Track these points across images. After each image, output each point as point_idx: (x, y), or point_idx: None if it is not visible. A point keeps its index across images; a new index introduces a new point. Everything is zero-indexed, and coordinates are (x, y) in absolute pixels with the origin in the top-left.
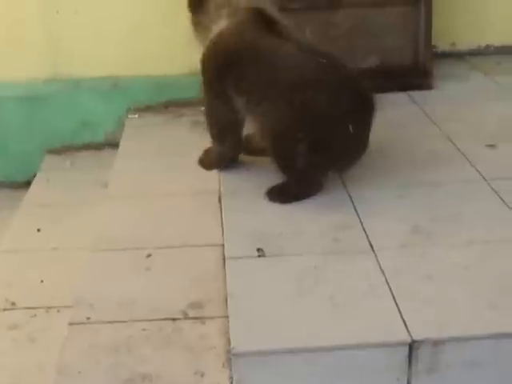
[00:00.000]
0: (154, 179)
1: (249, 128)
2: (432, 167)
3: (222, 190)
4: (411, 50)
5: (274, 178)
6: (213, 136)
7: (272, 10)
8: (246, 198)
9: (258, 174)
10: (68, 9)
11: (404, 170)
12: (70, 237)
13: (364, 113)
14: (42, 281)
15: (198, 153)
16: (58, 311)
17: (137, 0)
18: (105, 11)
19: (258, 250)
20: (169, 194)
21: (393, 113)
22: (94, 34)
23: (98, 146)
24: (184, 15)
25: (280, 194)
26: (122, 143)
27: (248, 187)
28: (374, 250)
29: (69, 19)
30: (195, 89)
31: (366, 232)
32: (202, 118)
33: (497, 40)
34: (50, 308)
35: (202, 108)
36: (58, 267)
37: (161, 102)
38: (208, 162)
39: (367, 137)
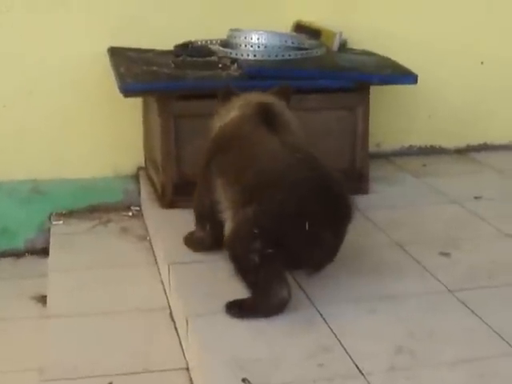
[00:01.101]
0: (94, 295)
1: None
2: (392, 278)
3: (171, 304)
4: (348, 154)
5: (227, 287)
6: (195, 218)
7: (280, 105)
8: (201, 313)
9: (210, 281)
10: None
11: (365, 282)
12: (8, 359)
13: (331, 218)
14: None
15: (130, 263)
16: None
17: (58, 99)
18: (24, 111)
19: (244, 380)
20: (114, 311)
21: None
22: (13, 134)
23: (17, 254)
24: (111, 116)
25: (240, 308)
26: (51, 253)
27: (201, 298)
28: (363, 375)
29: None
30: (120, 192)
31: (349, 354)
32: (130, 225)
33: (419, 141)
34: None
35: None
36: None
37: (85, 206)
38: (190, 242)
39: (335, 243)
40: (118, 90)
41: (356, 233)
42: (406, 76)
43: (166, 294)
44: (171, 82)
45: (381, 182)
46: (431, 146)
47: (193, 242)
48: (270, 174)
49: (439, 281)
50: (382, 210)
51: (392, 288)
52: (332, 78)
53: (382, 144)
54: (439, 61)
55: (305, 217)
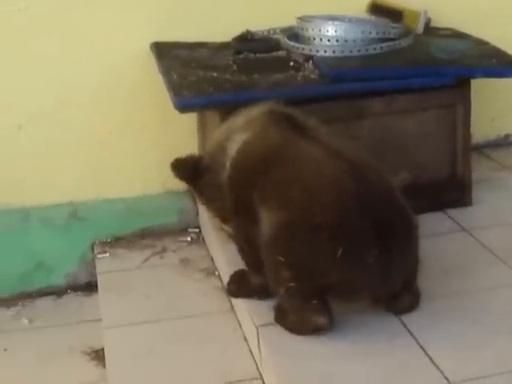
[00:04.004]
0: (165, 364)
1: None
2: None
3: (264, 374)
4: (447, 160)
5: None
6: (247, 265)
7: (291, 109)
8: None
9: (310, 347)
10: (9, 124)
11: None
12: None
13: (377, 237)
14: None
15: (201, 311)
16: None
17: (94, 109)
18: (54, 124)
19: None
20: None
21: (439, 247)
22: (42, 152)
23: (58, 292)
24: (159, 122)
25: (283, 321)
26: (101, 301)
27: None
28: None
29: (11, 136)
30: (174, 212)
31: None
32: (191, 254)
33: None
34: None
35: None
36: None
37: (133, 231)
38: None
39: (385, 265)
40: (166, 93)
41: (470, 266)
42: None
43: (252, 355)
44: (238, 93)
45: (482, 187)
46: None
47: (253, 292)
48: (310, 190)
49: None
50: (495, 230)
51: None
52: (429, 76)
53: (473, 135)
54: None
55: (340, 242)
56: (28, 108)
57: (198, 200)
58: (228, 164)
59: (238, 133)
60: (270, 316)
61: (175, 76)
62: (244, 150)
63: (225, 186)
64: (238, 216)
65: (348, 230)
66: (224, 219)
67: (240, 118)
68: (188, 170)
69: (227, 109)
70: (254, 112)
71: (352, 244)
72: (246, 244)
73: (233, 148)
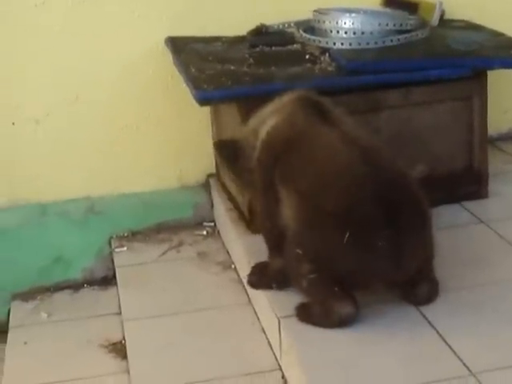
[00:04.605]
0: (185, 356)
1: None
2: None
3: (283, 365)
4: (463, 152)
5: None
6: (269, 248)
7: (319, 96)
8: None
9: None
10: (26, 118)
11: None
12: None
13: (389, 222)
14: None
15: (219, 304)
16: None
17: (109, 103)
18: (70, 119)
19: None
20: (214, 378)
21: (457, 238)
22: (59, 147)
23: (75, 286)
24: (173, 117)
25: (308, 316)
26: (121, 294)
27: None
28: None
29: (29, 132)
30: (190, 206)
31: None
32: (207, 247)
33: None
34: None
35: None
36: None
37: (150, 225)
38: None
39: (397, 251)
40: (180, 87)
41: (488, 258)
42: None
43: (271, 347)
44: (257, 86)
45: (496, 180)
46: None
47: (272, 280)
48: (323, 178)
49: None
50: None
51: None
52: (447, 67)
53: None
54: None
55: (350, 226)
56: (45, 103)
57: (235, 182)
58: (258, 145)
59: (269, 118)
60: (292, 308)
61: (193, 69)
62: (271, 133)
63: (254, 167)
64: (263, 195)
65: (358, 214)
66: None
67: (272, 105)
68: (229, 150)
69: (246, 101)
70: (285, 98)
71: (362, 228)
72: (269, 223)
73: (263, 131)
